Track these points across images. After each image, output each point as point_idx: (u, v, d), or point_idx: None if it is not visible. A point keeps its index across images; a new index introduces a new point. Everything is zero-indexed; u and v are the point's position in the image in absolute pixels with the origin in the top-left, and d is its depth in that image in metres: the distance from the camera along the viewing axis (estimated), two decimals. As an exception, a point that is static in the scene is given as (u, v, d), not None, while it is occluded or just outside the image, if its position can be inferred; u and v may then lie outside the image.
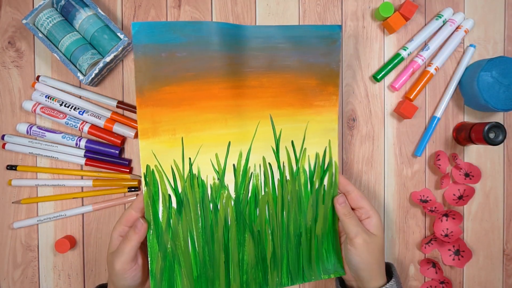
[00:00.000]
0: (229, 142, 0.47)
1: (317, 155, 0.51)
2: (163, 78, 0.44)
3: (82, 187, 0.58)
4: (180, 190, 0.46)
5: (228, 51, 0.46)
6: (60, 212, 0.57)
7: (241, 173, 0.48)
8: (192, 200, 0.47)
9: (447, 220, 0.58)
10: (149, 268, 0.45)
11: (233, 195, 0.48)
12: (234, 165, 0.48)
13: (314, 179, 0.51)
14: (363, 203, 0.50)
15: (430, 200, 0.58)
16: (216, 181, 0.47)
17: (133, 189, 0.58)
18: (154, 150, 0.45)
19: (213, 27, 0.45)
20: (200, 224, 0.47)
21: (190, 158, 0.46)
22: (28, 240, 0.58)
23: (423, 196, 0.58)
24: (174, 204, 0.46)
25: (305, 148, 0.50)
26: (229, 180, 0.47)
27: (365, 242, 0.48)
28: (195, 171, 0.46)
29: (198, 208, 0.47)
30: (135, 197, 0.58)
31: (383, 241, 0.49)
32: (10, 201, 0.58)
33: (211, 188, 0.47)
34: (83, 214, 0.58)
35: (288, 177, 0.50)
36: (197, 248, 0.47)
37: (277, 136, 0.49)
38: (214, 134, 0.46)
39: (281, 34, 0.48)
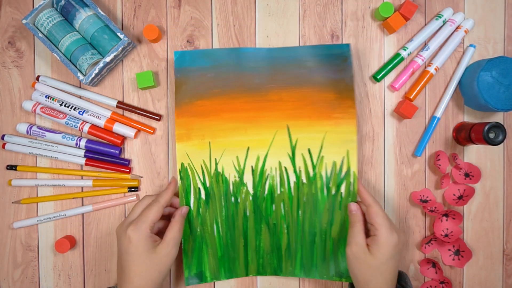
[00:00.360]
0: (248, 147, 0.55)
1: (334, 164, 0.55)
2: (196, 94, 0.55)
3: (82, 187, 0.58)
4: (208, 185, 0.55)
5: (251, 71, 0.55)
6: (60, 212, 0.57)
7: (258, 173, 0.55)
8: (217, 193, 0.55)
9: (447, 220, 0.58)
10: (182, 247, 0.54)
11: (251, 191, 0.55)
12: (252, 166, 0.55)
13: (330, 185, 0.55)
14: (376, 220, 0.49)
15: (430, 200, 0.58)
16: (237, 179, 0.55)
17: (133, 189, 0.58)
18: (188, 151, 0.55)
19: (238, 52, 0.56)
20: (223, 213, 0.55)
21: (216, 159, 0.55)
22: (28, 240, 0.58)
23: (423, 196, 0.58)
24: (203, 196, 0.55)
25: (323, 156, 0.55)
26: (248, 179, 0.55)
27: (353, 256, 0.49)
28: (219, 169, 0.55)
29: (222, 200, 0.55)
30: (135, 197, 0.58)
31: (380, 264, 0.48)
32: (10, 201, 0.58)
33: (232, 184, 0.55)
34: (83, 214, 0.58)
35: (304, 181, 0.55)
36: (221, 233, 0.55)
37: (293, 144, 0.55)
38: (236, 140, 0.55)
39: (299, 54, 0.56)
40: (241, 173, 0.55)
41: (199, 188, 0.55)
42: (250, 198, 0.55)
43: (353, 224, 0.51)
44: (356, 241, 0.49)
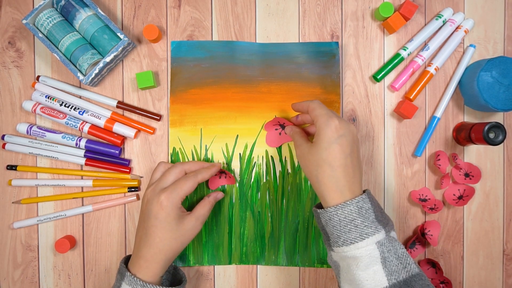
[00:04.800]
0: (237, 135, 0.58)
1: None
2: (191, 83, 0.58)
3: (82, 187, 0.58)
4: None
5: (244, 63, 0.58)
6: (60, 212, 0.57)
7: (245, 161, 0.58)
8: None
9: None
10: None
11: (238, 178, 0.58)
12: (240, 154, 0.58)
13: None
14: (314, 113, 0.47)
15: (429, 199, 0.58)
16: (225, 165, 0.58)
17: (133, 189, 0.58)
18: (180, 136, 0.58)
19: (232, 45, 0.58)
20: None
21: (206, 145, 0.58)
22: (28, 240, 0.58)
23: (422, 195, 0.58)
24: None
25: None
26: (235, 165, 0.58)
27: (299, 157, 0.48)
28: (209, 155, 0.58)
29: None
30: (135, 197, 0.58)
31: (322, 149, 0.45)
32: (10, 201, 0.58)
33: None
34: (83, 214, 0.58)
35: (289, 171, 0.58)
36: (207, 218, 0.55)
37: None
38: (226, 128, 0.58)
39: (290, 50, 0.58)
40: (229, 160, 0.58)
41: None
42: (237, 185, 0.58)
43: (292, 138, 0.52)
44: (298, 144, 0.49)
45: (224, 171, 0.57)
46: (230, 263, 0.57)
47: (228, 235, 0.57)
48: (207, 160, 0.57)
